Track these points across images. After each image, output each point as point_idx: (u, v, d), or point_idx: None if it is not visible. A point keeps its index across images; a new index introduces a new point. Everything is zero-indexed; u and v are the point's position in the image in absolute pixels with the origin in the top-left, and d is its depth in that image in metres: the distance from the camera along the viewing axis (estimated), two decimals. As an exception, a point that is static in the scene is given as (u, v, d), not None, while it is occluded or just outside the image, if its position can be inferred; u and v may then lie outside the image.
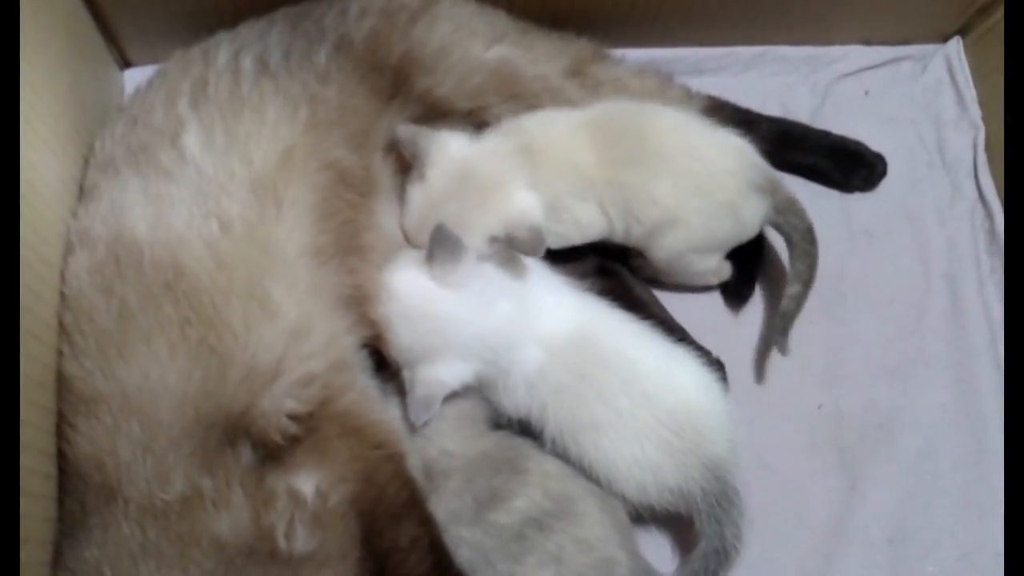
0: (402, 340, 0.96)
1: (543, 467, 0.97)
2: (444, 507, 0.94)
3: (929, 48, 1.33)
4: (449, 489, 0.95)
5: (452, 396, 0.98)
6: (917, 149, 1.28)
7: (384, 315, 0.96)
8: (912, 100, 1.30)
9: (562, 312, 0.99)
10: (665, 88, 1.16)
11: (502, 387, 0.97)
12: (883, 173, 1.24)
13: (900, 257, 1.22)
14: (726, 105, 1.21)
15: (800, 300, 1.08)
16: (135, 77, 1.18)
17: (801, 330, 1.16)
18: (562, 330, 0.98)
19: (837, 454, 1.11)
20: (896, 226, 1.23)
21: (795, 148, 1.22)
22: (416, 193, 1.02)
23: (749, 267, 1.17)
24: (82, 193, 0.98)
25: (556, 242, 1.05)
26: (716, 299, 1.17)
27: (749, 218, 1.06)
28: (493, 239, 0.99)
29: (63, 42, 1.00)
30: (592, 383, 0.95)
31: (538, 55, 1.09)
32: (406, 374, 0.96)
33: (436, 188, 1.01)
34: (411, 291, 0.96)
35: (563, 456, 0.98)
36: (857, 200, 1.24)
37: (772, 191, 1.06)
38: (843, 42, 1.31)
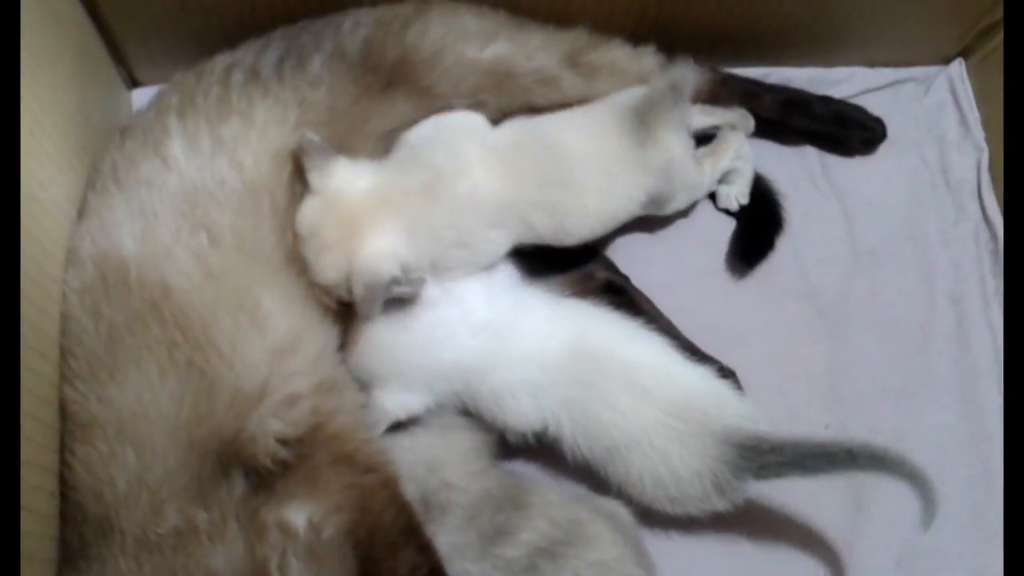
0: (357, 364, 0.97)
1: (546, 498, 0.96)
2: (445, 540, 0.93)
3: (932, 70, 1.33)
4: (449, 523, 0.94)
5: (462, 429, 0.99)
6: (920, 170, 1.28)
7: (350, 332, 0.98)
8: (915, 121, 1.31)
9: (550, 328, 0.98)
10: (664, 67, 1.15)
11: (497, 410, 0.97)
12: (883, 136, 1.27)
13: (904, 278, 1.22)
14: (731, 78, 1.22)
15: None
16: (143, 97, 1.19)
17: (806, 350, 1.17)
18: (554, 346, 0.97)
19: (843, 476, 1.09)
20: (900, 247, 1.23)
21: (799, 115, 1.24)
22: (300, 210, 0.98)
23: (763, 231, 1.20)
24: (78, 214, 0.98)
25: (475, 267, 1.01)
26: (722, 317, 1.17)
27: (663, 152, 1.07)
28: (333, 287, 0.95)
29: (71, 62, 1.01)
30: (596, 391, 0.95)
31: (533, 49, 1.09)
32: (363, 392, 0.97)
33: (305, 216, 0.97)
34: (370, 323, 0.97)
35: (586, 468, 0.97)
36: (861, 221, 1.24)
37: (658, 112, 1.07)
38: (846, 64, 1.32)
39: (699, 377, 0.99)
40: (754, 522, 1.06)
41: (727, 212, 1.21)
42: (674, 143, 1.08)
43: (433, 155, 1.00)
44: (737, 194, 1.19)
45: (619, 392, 0.95)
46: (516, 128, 1.05)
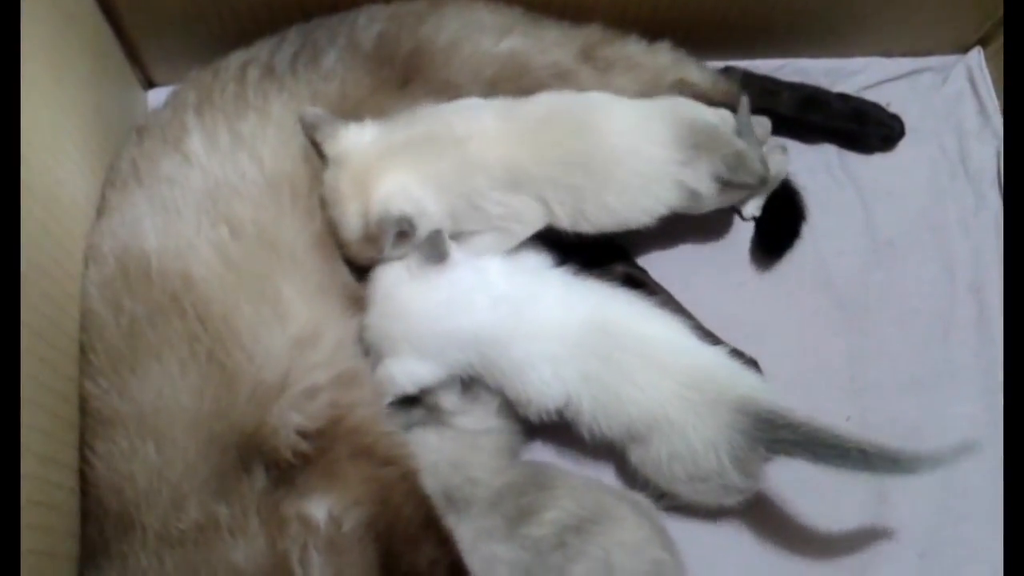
0: (370, 325, 0.97)
1: (570, 481, 0.97)
2: (471, 526, 0.93)
3: (950, 59, 1.32)
4: (473, 512, 0.94)
5: (489, 431, 0.99)
6: (939, 160, 1.27)
7: (365, 297, 0.98)
8: (933, 111, 1.30)
9: (569, 304, 0.98)
10: (679, 63, 1.14)
11: (520, 383, 0.96)
12: (901, 133, 1.26)
13: (924, 268, 1.21)
14: (748, 75, 1.21)
15: None
16: (158, 97, 1.19)
17: (826, 342, 1.16)
18: (572, 320, 0.96)
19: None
20: (920, 237, 1.22)
21: (817, 112, 1.23)
22: (323, 183, 1.00)
23: (786, 221, 1.19)
24: (97, 212, 0.98)
25: (502, 241, 1.01)
26: (740, 310, 1.16)
27: (697, 185, 1.03)
28: (366, 236, 0.96)
29: (89, 63, 1.02)
30: (614, 365, 0.94)
31: (548, 44, 1.09)
32: (374, 361, 0.97)
33: (326, 184, 0.99)
34: (388, 280, 0.97)
35: (605, 446, 0.97)
36: (880, 211, 1.23)
37: (714, 147, 1.03)
38: (862, 54, 1.31)
39: (714, 352, 0.99)
40: (775, 513, 1.05)
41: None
42: (709, 187, 1.04)
43: (442, 112, 1.01)
44: (755, 208, 1.19)
45: (636, 366, 0.94)
46: (550, 101, 1.03)
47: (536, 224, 1.02)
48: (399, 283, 0.97)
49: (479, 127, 0.99)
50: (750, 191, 1.11)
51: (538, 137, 1.00)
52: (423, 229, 0.96)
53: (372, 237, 0.96)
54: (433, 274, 0.96)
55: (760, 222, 1.20)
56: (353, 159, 0.98)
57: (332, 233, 1.00)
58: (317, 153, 1.00)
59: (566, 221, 1.02)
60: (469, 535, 0.92)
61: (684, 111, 1.06)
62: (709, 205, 1.08)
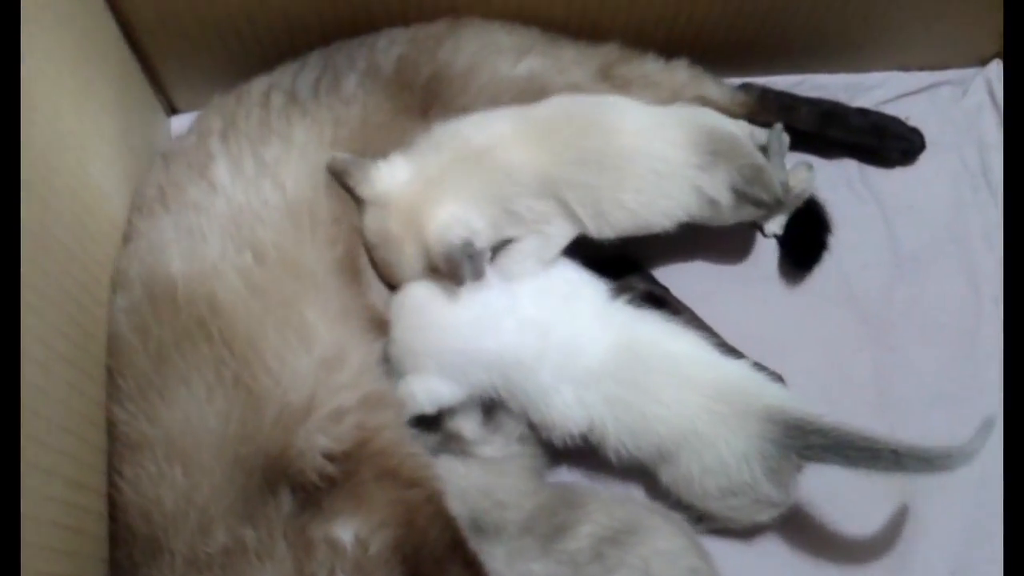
0: (396, 339, 0.97)
1: (600, 497, 0.96)
2: (503, 549, 0.93)
3: (969, 72, 1.32)
4: (504, 536, 0.94)
5: (515, 456, 0.99)
6: (961, 173, 1.27)
7: (391, 310, 0.98)
8: (954, 124, 1.29)
9: (595, 328, 0.97)
10: (697, 81, 1.14)
11: (545, 408, 0.96)
12: (921, 147, 1.25)
13: (949, 282, 1.20)
14: (765, 91, 1.21)
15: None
16: (181, 124, 1.21)
17: (851, 358, 1.15)
18: (598, 345, 0.96)
19: (895, 484, 1.08)
20: (943, 251, 1.21)
21: (836, 127, 1.23)
22: (364, 226, 1.01)
23: (812, 234, 1.18)
24: (123, 238, 0.99)
25: (543, 247, 1.01)
26: (764, 327, 1.16)
27: (714, 193, 1.03)
28: (426, 269, 0.98)
29: (114, 90, 1.03)
30: (640, 388, 0.94)
31: (566, 64, 1.09)
32: (396, 377, 0.97)
33: (369, 227, 1.00)
34: (418, 296, 0.98)
35: (634, 468, 0.97)
36: (903, 225, 1.23)
37: (732, 157, 1.03)
38: (880, 69, 1.31)
39: (739, 364, 0.99)
40: (804, 529, 1.05)
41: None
42: (726, 197, 1.03)
43: (459, 129, 1.01)
44: (777, 226, 1.18)
45: (662, 384, 0.94)
46: (560, 103, 1.04)
47: (565, 227, 1.02)
48: (429, 299, 0.97)
49: (498, 135, 1.00)
50: (766, 210, 1.09)
51: (552, 138, 1.00)
52: (480, 245, 0.97)
53: (442, 271, 0.96)
54: (465, 293, 0.96)
55: (786, 238, 1.19)
56: (395, 200, 0.99)
57: (382, 272, 1.02)
58: (351, 196, 1.02)
59: (590, 225, 1.02)
60: (502, 556, 0.91)
61: (704, 119, 1.07)
62: (727, 218, 1.07)
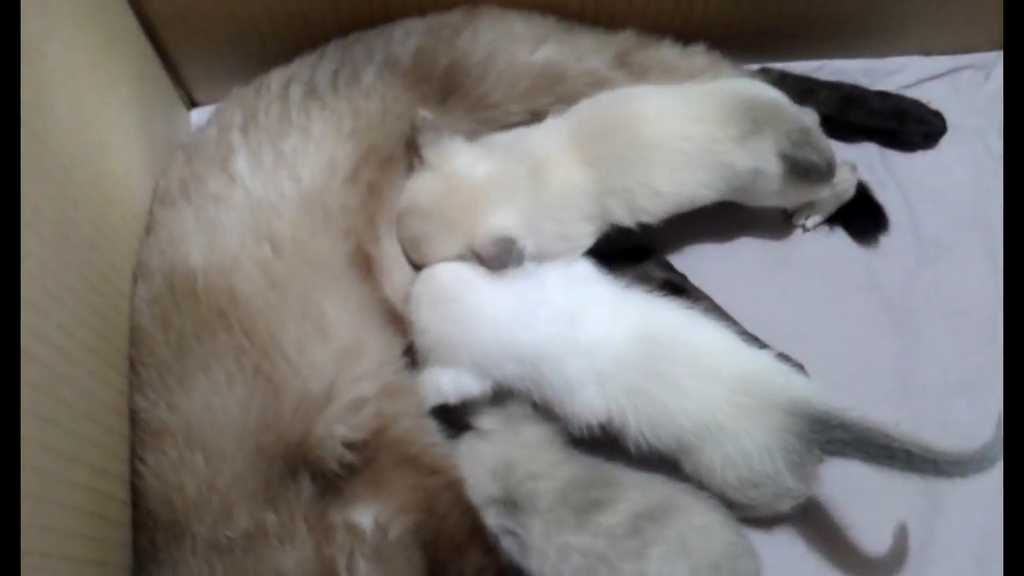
0: (427, 330, 0.96)
1: (634, 478, 0.96)
2: (540, 519, 0.93)
3: (990, 55, 1.30)
4: (542, 506, 0.94)
5: (528, 423, 0.99)
6: (984, 158, 1.25)
7: (413, 294, 0.98)
8: (976, 109, 1.27)
9: (617, 316, 0.97)
10: (715, 65, 1.14)
11: (567, 399, 0.95)
12: (943, 130, 1.24)
13: (972, 267, 1.18)
14: (784, 75, 1.21)
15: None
16: (201, 117, 1.22)
17: (873, 345, 1.14)
18: (619, 334, 0.96)
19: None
20: (966, 236, 1.20)
21: (857, 111, 1.22)
22: (409, 185, 1.02)
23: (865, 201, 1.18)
24: (145, 229, 1.00)
25: (575, 250, 1.04)
26: (784, 314, 1.15)
27: (758, 163, 1.02)
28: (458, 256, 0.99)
29: (133, 84, 1.04)
30: (661, 377, 0.94)
31: (583, 51, 1.09)
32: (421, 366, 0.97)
33: (421, 190, 1.01)
34: (448, 283, 0.98)
35: (651, 459, 0.97)
36: (925, 211, 1.21)
37: (777, 123, 1.02)
38: (901, 53, 1.29)
39: (764, 355, 0.97)
40: (826, 520, 1.04)
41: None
42: (774, 164, 1.02)
43: (528, 139, 1.03)
44: (813, 223, 1.18)
45: (685, 375, 0.93)
46: (588, 107, 1.05)
47: (594, 235, 1.04)
48: (463, 289, 0.97)
49: (555, 153, 1.01)
50: (818, 177, 1.06)
51: (597, 150, 1.01)
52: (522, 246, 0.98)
53: (482, 257, 0.97)
54: (503, 281, 0.96)
55: (845, 209, 1.18)
56: (465, 185, 1.00)
57: (408, 243, 1.02)
58: (414, 152, 1.02)
59: (627, 220, 1.03)
60: (539, 529, 0.92)
61: (742, 88, 1.06)
62: (777, 190, 1.06)
